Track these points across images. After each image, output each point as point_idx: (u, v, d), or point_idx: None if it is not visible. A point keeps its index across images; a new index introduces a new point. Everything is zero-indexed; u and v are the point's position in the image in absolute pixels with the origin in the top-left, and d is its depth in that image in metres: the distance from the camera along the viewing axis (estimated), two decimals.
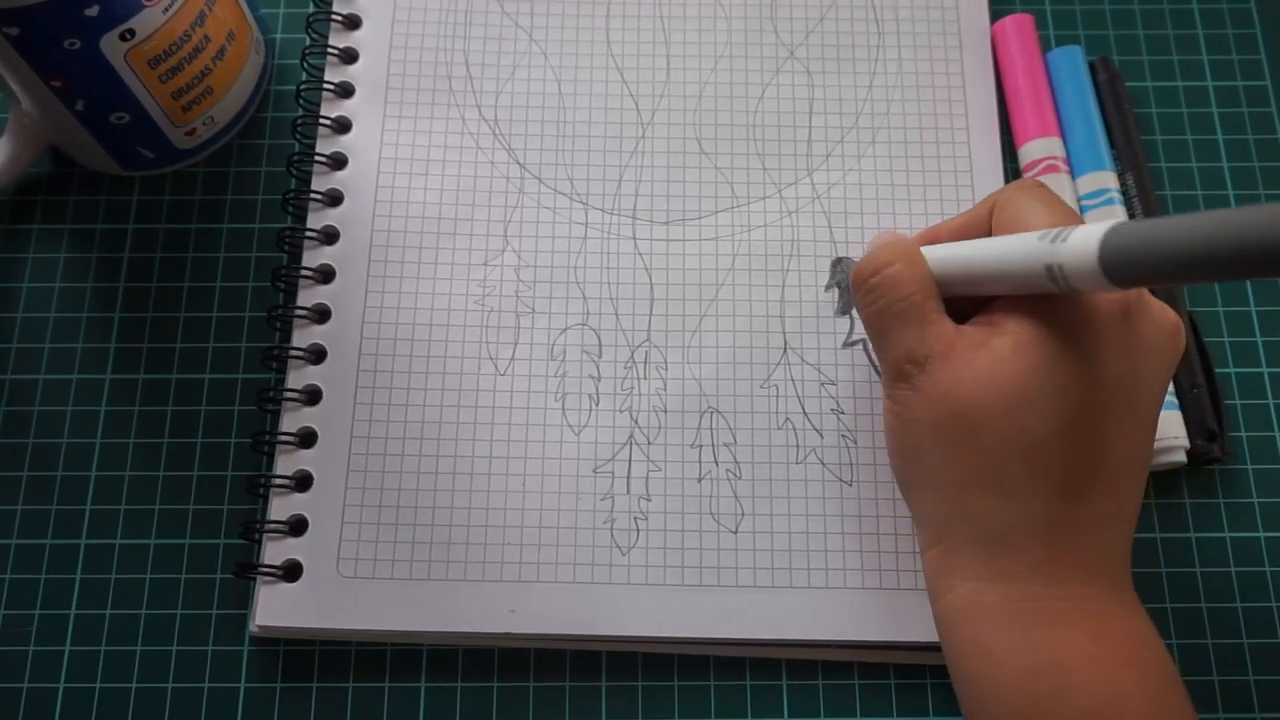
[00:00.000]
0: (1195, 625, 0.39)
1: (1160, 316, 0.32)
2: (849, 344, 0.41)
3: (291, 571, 0.38)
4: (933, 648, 0.37)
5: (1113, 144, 0.44)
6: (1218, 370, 0.42)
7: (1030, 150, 0.44)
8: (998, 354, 0.31)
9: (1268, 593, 0.39)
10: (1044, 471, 0.31)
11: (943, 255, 0.34)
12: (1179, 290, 0.42)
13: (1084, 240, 0.28)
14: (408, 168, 0.43)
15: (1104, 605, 0.31)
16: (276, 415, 0.40)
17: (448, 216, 0.43)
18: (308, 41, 0.45)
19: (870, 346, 0.40)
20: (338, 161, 0.43)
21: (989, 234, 0.35)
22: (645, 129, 0.44)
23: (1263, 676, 0.38)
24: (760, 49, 0.45)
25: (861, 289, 0.35)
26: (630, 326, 0.41)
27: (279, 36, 0.47)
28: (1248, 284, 0.43)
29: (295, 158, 0.43)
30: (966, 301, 0.34)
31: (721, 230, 0.43)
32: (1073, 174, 0.43)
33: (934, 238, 0.36)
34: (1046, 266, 0.29)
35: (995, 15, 0.46)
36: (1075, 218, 0.33)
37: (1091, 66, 0.45)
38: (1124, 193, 0.43)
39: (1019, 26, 0.45)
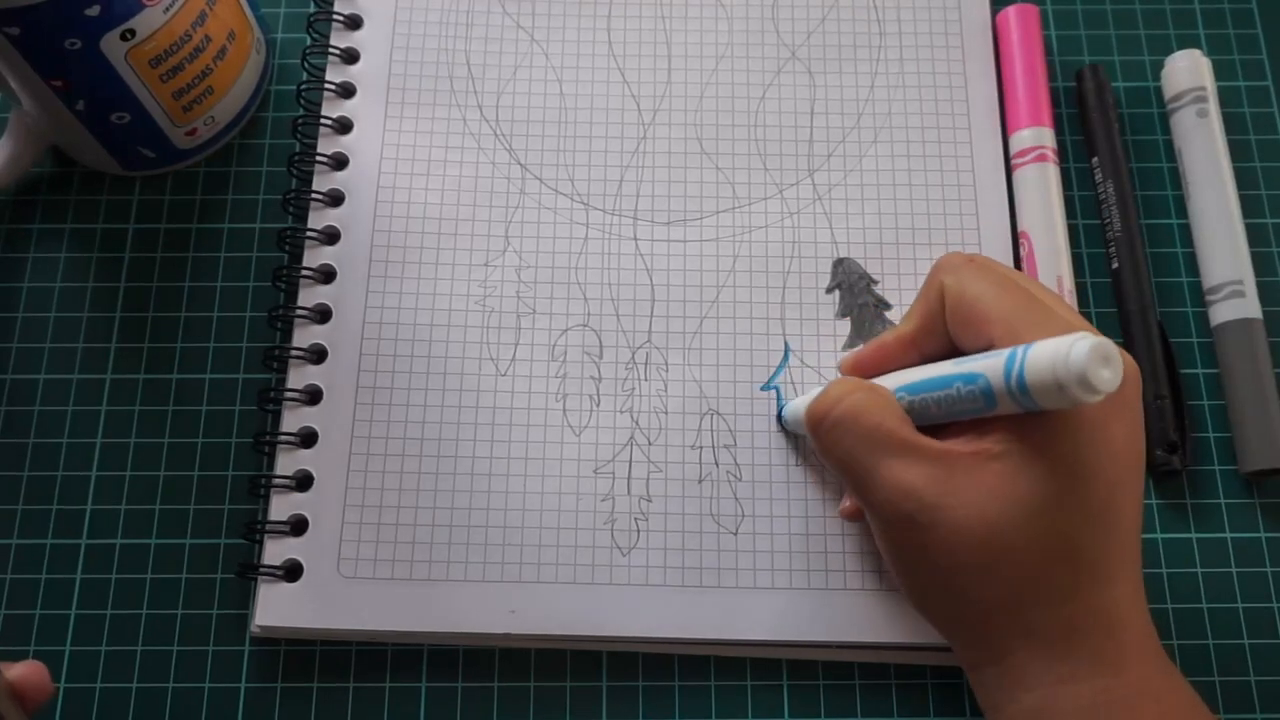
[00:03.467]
0: (1195, 625, 0.39)
1: (1129, 365, 0.31)
2: (850, 346, 0.41)
3: (292, 572, 0.38)
4: (933, 648, 0.37)
5: (1095, 152, 0.44)
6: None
7: (1020, 139, 0.44)
8: (1009, 465, 0.29)
9: (1268, 593, 0.39)
10: (1085, 564, 0.30)
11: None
12: (1150, 299, 0.42)
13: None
14: (409, 168, 0.43)
15: (1162, 685, 0.31)
16: (277, 415, 0.40)
17: (449, 217, 0.43)
18: (308, 41, 0.45)
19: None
20: (339, 162, 0.43)
21: (944, 328, 0.33)
22: (646, 129, 0.44)
23: (1263, 677, 0.38)
24: (762, 49, 0.45)
25: (820, 431, 0.32)
26: (631, 327, 0.41)
27: (279, 36, 0.47)
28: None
29: (296, 157, 0.43)
30: None
31: (722, 231, 0.43)
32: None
33: (881, 349, 0.35)
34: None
35: (996, 14, 0.46)
36: (1023, 282, 0.32)
37: (1079, 75, 0.45)
38: (1101, 200, 0.44)
39: (1022, 15, 0.45)
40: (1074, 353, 0.26)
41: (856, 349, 0.35)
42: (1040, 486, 0.29)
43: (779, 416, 0.40)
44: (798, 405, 0.37)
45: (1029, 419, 0.30)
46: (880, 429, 0.31)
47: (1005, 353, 0.29)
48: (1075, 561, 0.30)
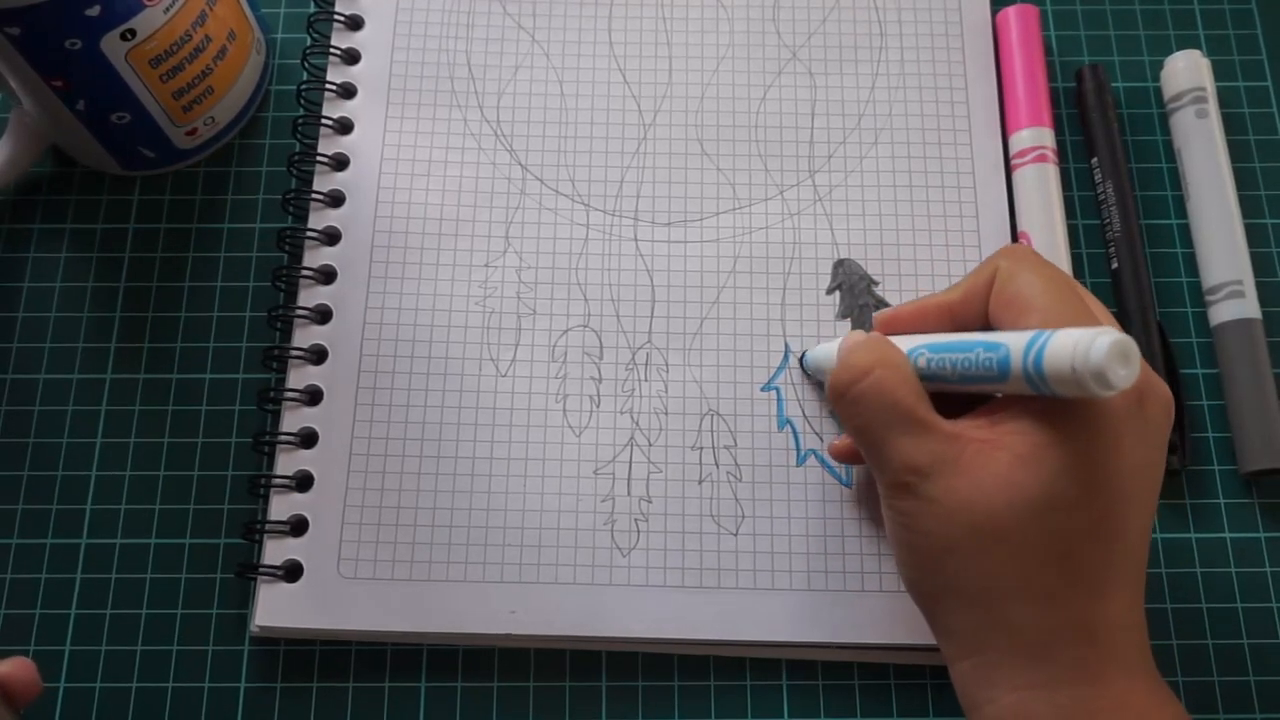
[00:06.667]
0: (1195, 625, 0.39)
1: (1161, 392, 0.31)
2: None
3: (292, 572, 0.38)
4: (933, 648, 0.37)
5: (1095, 152, 0.44)
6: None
7: (1019, 139, 0.44)
8: (1018, 457, 0.29)
9: (1268, 593, 0.39)
10: (1079, 573, 0.30)
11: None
12: (1150, 299, 0.42)
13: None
14: (409, 168, 0.43)
15: (1147, 701, 0.30)
16: (277, 415, 0.40)
17: (449, 217, 0.43)
18: (309, 41, 0.45)
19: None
20: (339, 162, 0.43)
21: (986, 307, 0.33)
22: (647, 130, 0.44)
23: (1263, 677, 0.38)
24: (762, 50, 0.45)
25: (842, 401, 0.33)
26: (631, 328, 0.41)
27: (279, 36, 0.47)
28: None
29: (296, 157, 0.43)
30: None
31: (723, 232, 0.43)
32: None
33: (920, 312, 0.35)
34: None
35: (996, 14, 0.46)
36: (1077, 288, 0.32)
37: (1079, 74, 0.45)
38: (1100, 201, 0.44)
39: (1022, 15, 0.45)
40: (1095, 345, 0.26)
41: (895, 307, 0.36)
42: (1044, 485, 0.29)
43: (800, 359, 0.40)
44: (822, 353, 0.39)
45: (1045, 417, 0.30)
46: (898, 406, 0.31)
47: (1032, 331, 0.29)
48: (1067, 566, 0.30)
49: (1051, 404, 0.30)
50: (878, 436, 0.32)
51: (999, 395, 0.32)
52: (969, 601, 0.31)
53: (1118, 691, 0.30)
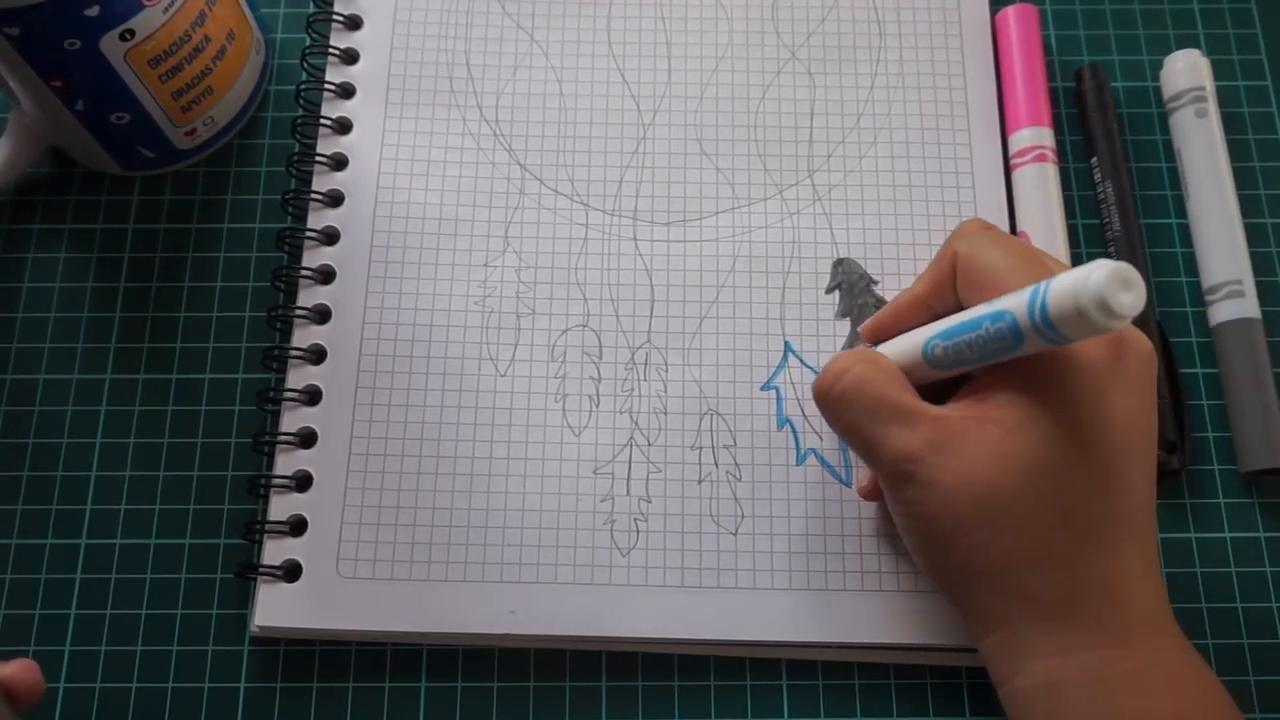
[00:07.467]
0: (1195, 625, 0.39)
1: (1140, 343, 0.32)
2: (850, 346, 0.41)
3: (291, 572, 0.38)
4: (933, 648, 0.37)
5: (1095, 152, 0.44)
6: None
7: (1019, 139, 0.44)
8: (1007, 429, 0.30)
9: (1267, 593, 0.39)
10: (1088, 532, 0.30)
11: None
12: (1149, 298, 0.42)
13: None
14: (409, 168, 0.43)
15: (1173, 658, 0.31)
16: (276, 415, 0.40)
17: (448, 217, 0.43)
18: (308, 41, 0.45)
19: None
20: (338, 162, 0.43)
21: (954, 291, 0.34)
22: (646, 130, 0.44)
23: (1263, 676, 0.38)
24: (761, 50, 0.45)
25: (826, 405, 0.34)
26: (630, 328, 0.41)
27: (279, 36, 0.47)
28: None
29: (295, 158, 0.43)
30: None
31: (722, 231, 0.43)
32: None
33: (896, 313, 0.36)
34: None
35: (996, 14, 0.46)
36: (1035, 253, 0.33)
37: (1079, 74, 0.45)
38: (1100, 200, 0.44)
39: (1021, 15, 0.45)
40: (1093, 277, 0.26)
41: (875, 315, 0.37)
42: (1037, 449, 0.30)
43: None
44: None
45: (1027, 386, 0.30)
46: (882, 399, 0.32)
47: (1030, 288, 0.29)
48: (1074, 527, 0.30)
49: (1032, 373, 0.30)
50: (866, 432, 0.32)
51: (977, 376, 0.33)
52: (986, 577, 0.31)
53: (1147, 651, 0.30)
